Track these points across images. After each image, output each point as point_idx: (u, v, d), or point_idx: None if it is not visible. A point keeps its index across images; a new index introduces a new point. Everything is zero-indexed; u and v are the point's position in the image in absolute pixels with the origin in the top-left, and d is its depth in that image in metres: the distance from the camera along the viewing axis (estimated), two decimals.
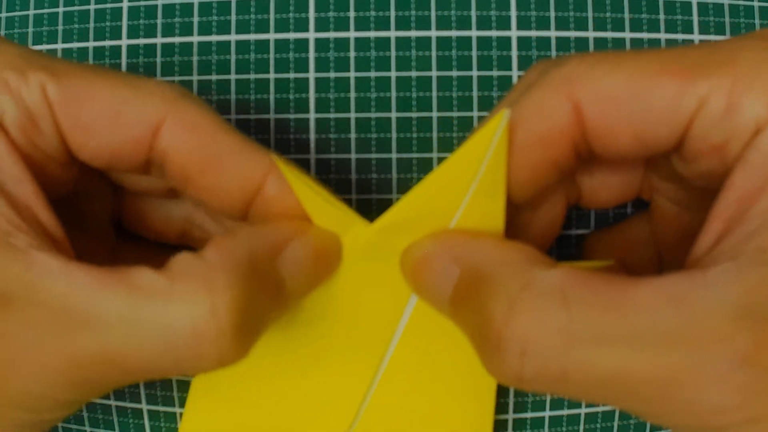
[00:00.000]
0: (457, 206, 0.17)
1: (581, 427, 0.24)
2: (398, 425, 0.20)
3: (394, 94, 0.24)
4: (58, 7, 0.24)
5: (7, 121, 0.16)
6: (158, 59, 0.24)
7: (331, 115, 0.24)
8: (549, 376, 0.14)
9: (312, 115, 0.24)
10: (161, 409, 0.24)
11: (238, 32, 0.24)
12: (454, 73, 0.24)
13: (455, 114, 0.24)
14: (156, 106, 0.17)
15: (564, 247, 0.24)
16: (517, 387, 0.15)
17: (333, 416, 0.20)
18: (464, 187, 0.17)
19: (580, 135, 0.16)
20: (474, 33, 0.24)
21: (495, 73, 0.24)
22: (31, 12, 0.25)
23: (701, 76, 0.14)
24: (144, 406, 0.24)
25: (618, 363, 0.13)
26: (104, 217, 0.21)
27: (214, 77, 0.24)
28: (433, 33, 0.24)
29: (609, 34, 0.24)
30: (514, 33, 0.24)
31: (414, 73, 0.24)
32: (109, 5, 0.24)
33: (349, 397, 0.19)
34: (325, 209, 0.18)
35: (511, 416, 0.24)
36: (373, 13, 0.24)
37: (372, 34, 0.24)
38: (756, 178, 0.14)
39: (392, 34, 0.24)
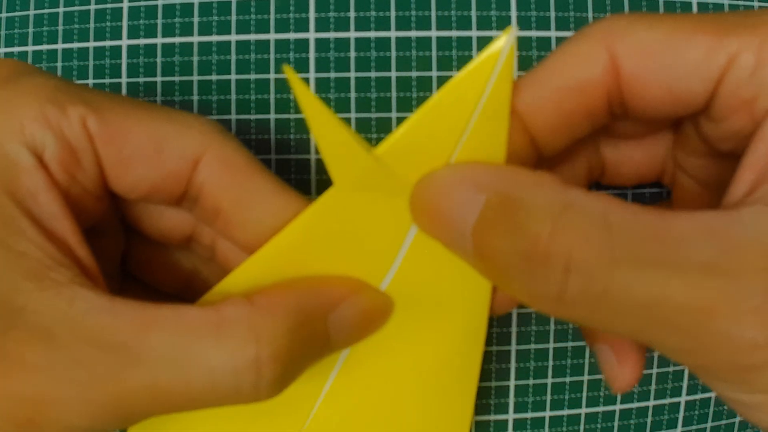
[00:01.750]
0: (460, 134, 0.17)
1: (581, 427, 0.24)
2: (383, 364, 0.20)
3: (394, 94, 0.24)
4: (58, 7, 0.24)
5: (47, 157, 0.16)
6: (158, 59, 0.24)
7: None
8: (590, 295, 0.14)
9: None
10: None
11: (238, 32, 0.24)
12: (455, 74, 0.24)
13: None
14: (196, 140, 0.18)
15: None
16: (554, 312, 0.15)
17: None
18: (467, 114, 0.16)
19: (615, 86, 0.16)
20: (474, 33, 0.24)
21: None
22: (31, 12, 0.24)
23: (732, 34, 0.15)
24: None
25: (657, 287, 0.14)
26: (115, 256, 0.21)
27: (214, 77, 0.24)
28: (434, 33, 0.24)
29: None
30: (514, 33, 0.24)
31: (414, 74, 0.24)
32: (109, 5, 0.24)
33: None
34: (329, 124, 0.16)
35: (511, 416, 0.24)
36: (373, 13, 0.24)
37: (372, 34, 0.24)
38: None
39: (392, 34, 0.24)
